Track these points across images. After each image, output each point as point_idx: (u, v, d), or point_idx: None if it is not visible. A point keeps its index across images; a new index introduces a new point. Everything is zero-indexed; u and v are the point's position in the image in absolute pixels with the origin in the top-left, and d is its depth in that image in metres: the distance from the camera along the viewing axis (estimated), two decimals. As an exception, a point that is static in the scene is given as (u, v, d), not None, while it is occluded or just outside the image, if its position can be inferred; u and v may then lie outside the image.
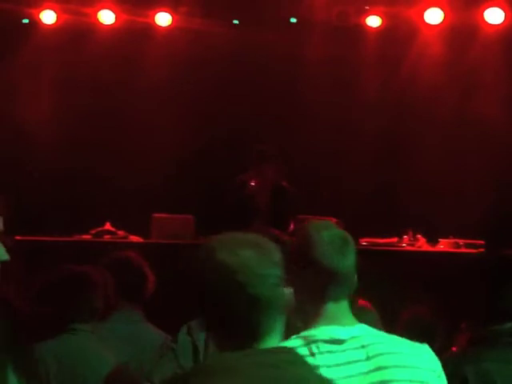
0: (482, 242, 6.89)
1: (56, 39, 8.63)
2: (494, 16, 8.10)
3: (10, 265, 2.59)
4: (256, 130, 8.23)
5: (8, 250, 2.57)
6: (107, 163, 8.36)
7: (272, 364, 1.94)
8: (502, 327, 2.98)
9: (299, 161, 8.25)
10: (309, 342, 2.35)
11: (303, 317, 2.47)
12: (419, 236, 7.25)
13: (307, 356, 2.31)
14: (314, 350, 2.33)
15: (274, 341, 2.01)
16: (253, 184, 7.30)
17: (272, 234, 3.12)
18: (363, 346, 2.33)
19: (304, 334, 2.40)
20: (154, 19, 8.61)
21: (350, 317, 2.42)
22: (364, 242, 7.12)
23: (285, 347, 2.04)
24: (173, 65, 8.53)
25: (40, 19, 8.62)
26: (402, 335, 2.46)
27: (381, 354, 2.32)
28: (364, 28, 8.51)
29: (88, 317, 3.59)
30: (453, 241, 7.11)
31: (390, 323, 3.39)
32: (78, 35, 8.56)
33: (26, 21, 8.70)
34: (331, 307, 2.40)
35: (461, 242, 7.07)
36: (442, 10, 8.17)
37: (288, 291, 2.08)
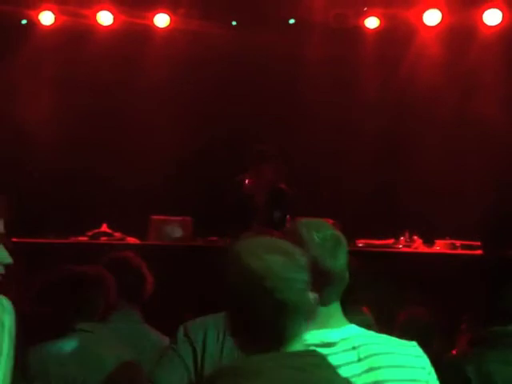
0: (479, 244, 6.89)
1: (54, 40, 8.64)
2: (492, 17, 8.11)
3: (9, 266, 2.61)
4: (255, 130, 8.23)
5: (10, 253, 2.60)
6: (106, 164, 8.36)
7: (298, 367, 1.96)
8: (505, 328, 2.98)
9: (299, 160, 8.26)
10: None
11: None
12: (415, 237, 7.25)
13: None
14: None
15: (298, 345, 2.03)
16: (248, 182, 7.29)
17: (270, 235, 3.11)
18: (354, 348, 2.32)
19: None
20: (152, 20, 8.62)
21: (340, 318, 2.41)
22: (360, 243, 7.13)
23: (310, 350, 2.06)
24: (172, 66, 8.54)
25: (38, 20, 8.63)
26: (398, 336, 2.46)
27: (373, 355, 2.32)
28: (362, 29, 8.52)
29: (88, 317, 3.59)
30: (449, 242, 7.11)
31: (386, 325, 3.40)
32: (76, 36, 8.57)
33: (24, 22, 8.71)
34: (322, 310, 2.37)
35: (457, 243, 7.07)
36: (440, 11, 8.19)
37: (313, 296, 2.07)
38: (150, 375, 2.98)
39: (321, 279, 2.35)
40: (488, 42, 8.22)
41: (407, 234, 7.24)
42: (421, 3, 8.26)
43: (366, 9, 8.50)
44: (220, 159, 8.34)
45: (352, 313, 2.50)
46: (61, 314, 3.55)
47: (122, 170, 8.24)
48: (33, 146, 8.54)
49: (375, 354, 2.32)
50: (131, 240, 7.29)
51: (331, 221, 7.14)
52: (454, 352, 3.11)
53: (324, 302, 2.35)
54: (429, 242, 7.22)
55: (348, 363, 2.30)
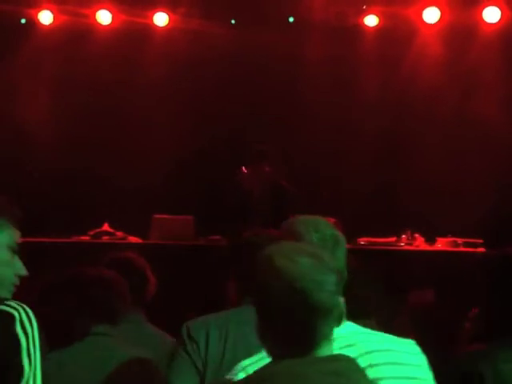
0: (481, 241, 6.89)
1: (54, 40, 8.63)
2: (491, 15, 8.11)
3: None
4: (255, 129, 8.23)
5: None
6: (107, 163, 8.36)
7: (336, 371, 1.97)
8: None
9: (299, 160, 8.26)
10: None
11: None
12: (417, 235, 7.25)
13: None
14: None
15: (328, 348, 2.03)
16: (247, 172, 7.29)
17: (269, 234, 3.11)
18: (350, 345, 2.30)
19: None
20: (151, 19, 8.62)
21: None
22: (362, 241, 7.13)
23: (344, 355, 2.06)
24: (171, 65, 8.54)
25: (38, 20, 8.62)
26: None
27: (370, 352, 2.30)
28: (362, 28, 8.51)
29: (104, 320, 3.57)
30: (451, 239, 7.11)
31: (386, 323, 3.40)
32: (75, 36, 8.57)
33: (23, 21, 8.70)
34: None
35: (459, 240, 7.07)
36: (440, 9, 8.18)
37: (342, 299, 2.07)
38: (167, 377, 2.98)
39: None
40: (488, 40, 8.22)
41: (409, 232, 7.23)
42: (420, 1, 8.26)
43: (365, 7, 8.48)
44: (220, 158, 8.34)
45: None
46: (75, 318, 3.53)
47: (123, 170, 8.24)
48: (32, 146, 8.54)
49: (372, 351, 2.31)
50: (133, 239, 7.29)
51: (332, 219, 7.16)
52: (466, 349, 3.08)
53: None
54: (430, 239, 7.23)
55: None
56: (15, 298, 2.59)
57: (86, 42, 8.62)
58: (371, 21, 8.50)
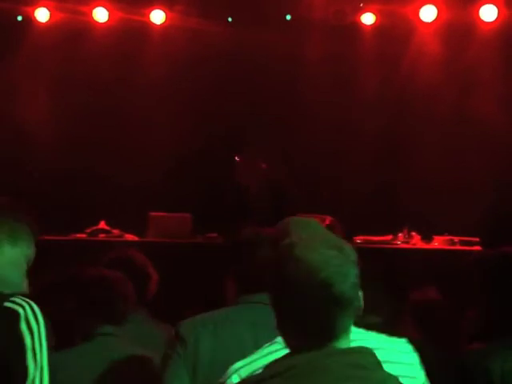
0: (477, 239, 6.90)
1: (50, 37, 8.61)
2: (488, 13, 8.11)
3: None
4: (254, 128, 8.22)
5: None
6: (104, 161, 8.35)
7: (355, 364, 1.97)
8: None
9: (298, 159, 8.27)
10: (286, 346, 2.36)
11: None
12: (414, 233, 7.25)
13: None
14: None
15: (346, 341, 2.04)
16: (241, 162, 7.30)
17: (264, 232, 3.11)
18: None
19: (279, 339, 2.36)
20: (148, 17, 8.60)
21: None
22: (358, 239, 7.13)
23: (363, 347, 2.06)
24: (169, 63, 8.52)
25: (34, 17, 8.60)
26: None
27: None
28: (360, 26, 8.51)
29: (109, 320, 3.57)
30: (448, 238, 7.11)
31: (385, 321, 3.40)
32: (72, 33, 8.54)
33: (20, 18, 8.69)
34: None
35: (456, 239, 7.08)
36: (437, 7, 8.18)
37: (361, 292, 2.07)
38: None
39: None
40: (485, 38, 8.21)
41: (406, 231, 7.24)
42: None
43: (362, 5, 8.48)
44: (218, 156, 8.33)
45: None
46: (77, 318, 3.53)
47: (120, 167, 8.23)
48: (31, 145, 8.53)
49: None
50: (130, 237, 7.29)
51: (330, 218, 7.16)
52: (467, 348, 3.09)
53: None
54: (427, 238, 7.23)
55: None
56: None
57: (82, 40, 8.60)
58: (368, 19, 8.50)
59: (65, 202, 8.17)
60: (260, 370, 2.24)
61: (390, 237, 7.27)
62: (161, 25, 8.62)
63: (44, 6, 8.57)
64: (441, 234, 7.18)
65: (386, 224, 7.47)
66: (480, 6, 8.12)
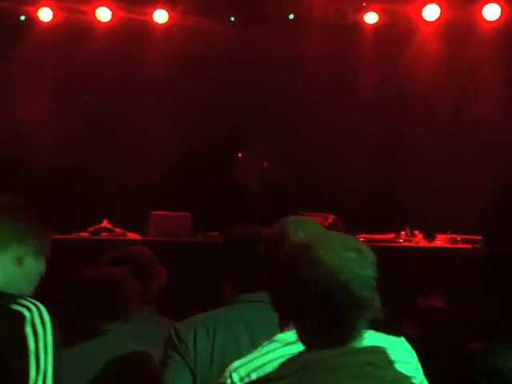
0: (480, 238, 6.89)
1: (53, 37, 8.62)
2: (491, 12, 8.10)
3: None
4: (254, 127, 8.21)
5: None
6: (105, 161, 8.36)
7: (372, 363, 1.99)
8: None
9: (298, 159, 8.26)
10: (285, 344, 2.37)
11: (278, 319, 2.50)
12: (416, 232, 7.24)
13: (286, 356, 2.33)
14: (292, 350, 2.33)
15: (361, 341, 2.06)
16: (240, 161, 7.30)
17: (262, 232, 3.12)
18: None
19: (278, 337, 2.42)
20: (151, 17, 8.61)
21: None
22: (361, 238, 7.12)
23: (379, 347, 2.07)
24: (171, 62, 8.53)
25: (37, 16, 8.61)
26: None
27: None
28: (361, 25, 8.51)
29: (115, 318, 3.58)
30: (450, 236, 7.11)
31: (386, 321, 3.40)
32: (74, 33, 8.55)
33: (23, 18, 8.70)
34: None
35: (458, 237, 7.07)
36: (439, 6, 8.18)
37: (376, 294, 2.09)
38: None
39: None
40: (487, 38, 8.20)
41: (408, 229, 7.23)
42: (420, -2, 8.26)
43: (364, 4, 8.48)
44: (218, 156, 8.33)
45: None
46: (88, 316, 3.53)
47: (121, 167, 8.23)
48: (31, 144, 8.53)
49: None
50: (132, 236, 7.29)
51: (332, 216, 7.16)
52: (468, 348, 3.09)
53: None
54: (430, 236, 7.22)
55: None
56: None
57: (85, 40, 8.61)
58: (371, 18, 8.50)
59: (66, 201, 8.17)
60: (259, 368, 2.26)
61: (392, 235, 7.26)
62: (163, 24, 8.62)
63: (47, 6, 8.59)
64: (443, 231, 7.17)
65: (387, 220, 7.47)
66: (483, 5, 8.11)
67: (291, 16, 8.58)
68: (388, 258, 6.50)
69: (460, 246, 6.96)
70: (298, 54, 8.41)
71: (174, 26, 8.62)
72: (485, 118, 7.84)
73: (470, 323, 3.37)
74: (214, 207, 7.30)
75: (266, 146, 7.39)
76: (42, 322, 2.32)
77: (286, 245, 2.44)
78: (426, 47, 8.36)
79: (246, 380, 2.30)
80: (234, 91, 8.44)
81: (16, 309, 2.34)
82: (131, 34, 8.56)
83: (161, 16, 8.59)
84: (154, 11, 8.59)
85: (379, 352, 2.05)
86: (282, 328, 2.47)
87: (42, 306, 2.36)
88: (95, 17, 8.57)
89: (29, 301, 2.37)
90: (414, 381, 2.33)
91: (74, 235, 7.30)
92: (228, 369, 2.36)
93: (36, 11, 8.60)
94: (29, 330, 2.29)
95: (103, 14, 8.56)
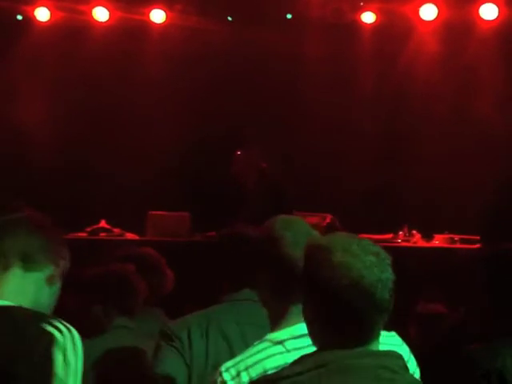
0: (478, 238, 6.89)
1: (50, 37, 8.61)
2: (488, 12, 8.11)
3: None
4: (253, 127, 8.21)
5: None
6: (103, 160, 8.36)
7: (389, 367, 2.00)
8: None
9: (298, 159, 8.27)
10: (275, 343, 2.37)
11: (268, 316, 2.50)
12: (414, 232, 7.25)
13: (276, 355, 2.33)
14: (281, 349, 2.35)
15: (377, 344, 2.06)
16: (239, 160, 7.31)
17: (252, 231, 3.13)
18: None
19: (268, 336, 2.42)
20: (148, 16, 8.60)
21: None
22: (359, 238, 7.11)
23: (394, 351, 2.09)
24: (169, 62, 8.52)
25: (34, 16, 8.60)
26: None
27: None
28: (359, 24, 8.51)
29: (123, 313, 3.58)
30: (448, 236, 7.11)
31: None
32: (72, 32, 8.55)
33: (20, 18, 8.69)
34: (294, 310, 2.40)
35: (456, 237, 7.07)
36: (437, 6, 8.18)
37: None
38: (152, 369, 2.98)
39: (292, 278, 2.37)
40: (485, 37, 8.21)
41: (406, 229, 7.23)
42: (417, -3, 8.26)
43: (362, 3, 8.48)
44: (217, 155, 8.33)
45: None
46: (99, 315, 3.53)
47: (119, 167, 8.23)
48: (30, 143, 8.52)
49: None
50: (130, 236, 7.29)
51: (330, 216, 7.15)
52: (469, 348, 3.08)
53: (296, 300, 2.34)
54: (428, 236, 7.23)
55: None
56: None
57: (82, 39, 8.60)
58: (368, 18, 8.50)
59: (64, 201, 8.16)
60: (250, 367, 2.27)
61: (390, 235, 7.26)
62: (160, 24, 8.62)
63: (44, 6, 8.58)
64: (441, 231, 7.18)
65: (386, 220, 7.47)
66: (480, 5, 8.11)
67: (289, 16, 8.58)
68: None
69: (458, 245, 6.96)
70: (296, 53, 8.41)
71: (172, 26, 8.61)
72: (483, 118, 7.85)
73: (470, 323, 3.37)
74: (213, 207, 7.29)
75: (265, 145, 7.39)
76: (74, 349, 2.23)
77: (287, 246, 2.44)
78: (424, 47, 8.36)
79: (237, 380, 2.31)
80: (232, 91, 8.44)
81: (49, 330, 2.25)
82: (129, 33, 8.56)
83: (158, 16, 8.58)
84: (150, 11, 8.58)
85: (394, 356, 2.06)
86: (273, 327, 2.48)
87: (74, 331, 2.27)
88: (92, 16, 8.57)
89: (62, 323, 2.28)
90: None
91: (71, 235, 7.29)
92: (220, 368, 2.37)
93: (33, 11, 8.59)
94: (59, 355, 2.19)
95: (100, 14, 8.55)
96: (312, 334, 2.12)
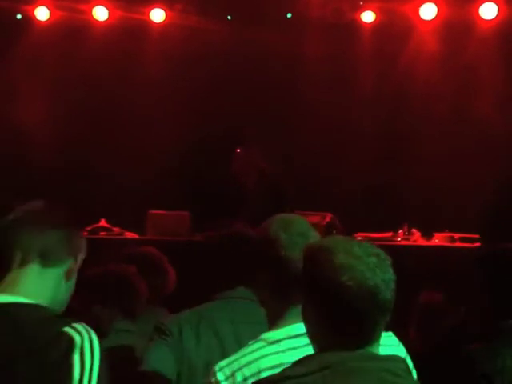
0: (478, 236, 6.90)
1: (50, 36, 8.61)
2: (488, 11, 8.11)
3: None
4: (253, 126, 8.21)
5: None
6: (103, 160, 8.36)
7: (392, 371, 2.00)
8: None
9: (298, 159, 8.27)
10: (270, 343, 2.37)
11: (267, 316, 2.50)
12: (414, 230, 7.24)
13: (270, 355, 2.33)
14: (276, 348, 2.35)
15: (378, 345, 2.07)
16: (239, 159, 7.31)
17: (249, 230, 3.13)
18: None
19: (263, 336, 2.42)
20: (148, 16, 8.60)
21: None
22: (359, 236, 7.12)
23: (398, 356, 2.10)
24: (169, 61, 8.52)
25: (34, 16, 8.61)
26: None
27: None
28: (359, 24, 8.51)
29: (124, 316, 3.56)
30: (448, 235, 7.11)
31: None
32: (72, 32, 8.55)
33: (19, 17, 8.69)
34: (293, 310, 2.40)
35: (456, 236, 7.07)
36: (437, 5, 8.18)
37: None
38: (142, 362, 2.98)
39: (291, 279, 2.37)
40: (485, 37, 8.21)
41: (406, 227, 7.23)
42: (417, -3, 8.26)
43: (362, 3, 8.48)
44: (217, 155, 8.33)
45: None
46: (99, 315, 3.52)
47: (119, 166, 8.23)
48: (30, 143, 8.52)
49: None
50: (130, 235, 7.29)
51: (330, 215, 7.15)
52: (469, 348, 3.08)
53: (294, 301, 2.35)
54: (427, 234, 7.23)
55: None
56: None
57: (82, 39, 8.61)
58: (368, 17, 8.50)
59: (64, 200, 8.14)
60: (244, 366, 2.26)
61: (390, 233, 7.26)
62: (160, 23, 8.62)
63: (44, 5, 8.59)
64: (440, 229, 7.18)
65: (385, 218, 7.47)
66: (480, 4, 8.12)
67: (289, 15, 8.58)
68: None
69: (458, 244, 6.96)
70: (296, 53, 8.41)
71: (172, 25, 8.61)
72: (483, 118, 7.85)
73: (470, 323, 3.37)
74: (213, 207, 7.29)
75: (264, 145, 7.39)
76: (92, 351, 2.17)
77: (283, 247, 2.44)
78: (424, 46, 8.36)
79: (231, 379, 2.31)
80: (232, 91, 8.44)
81: (68, 332, 2.18)
82: (128, 33, 8.56)
83: (158, 15, 8.59)
84: (150, 10, 8.58)
85: (398, 360, 2.07)
86: (270, 327, 2.47)
87: (93, 334, 2.21)
88: (92, 16, 8.57)
89: (82, 326, 2.22)
90: None
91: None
92: (214, 368, 2.36)
93: (33, 10, 8.60)
94: (76, 358, 2.14)
95: (100, 13, 8.55)
96: (311, 334, 2.12)
